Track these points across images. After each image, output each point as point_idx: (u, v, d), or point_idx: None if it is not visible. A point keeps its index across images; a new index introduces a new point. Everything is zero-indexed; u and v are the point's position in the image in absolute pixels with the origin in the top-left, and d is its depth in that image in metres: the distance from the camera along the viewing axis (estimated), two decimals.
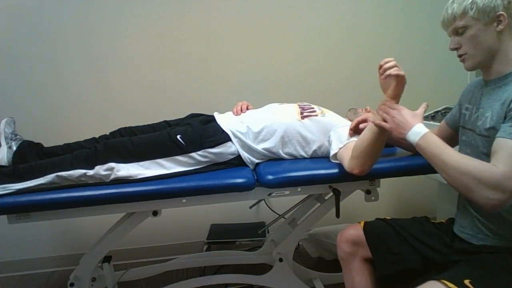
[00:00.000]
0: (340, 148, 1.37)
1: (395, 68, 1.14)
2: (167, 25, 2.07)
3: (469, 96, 1.21)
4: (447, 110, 1.95)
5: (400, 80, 1.15)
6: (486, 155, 1.07)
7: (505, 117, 1.00)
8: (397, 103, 1.19)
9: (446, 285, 0.94)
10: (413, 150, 1.24)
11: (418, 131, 1.08)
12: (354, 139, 1.36)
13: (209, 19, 2.09)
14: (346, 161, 1.31)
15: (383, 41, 2.26)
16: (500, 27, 1.03)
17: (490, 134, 1.04)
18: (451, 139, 1.30)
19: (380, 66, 1.17)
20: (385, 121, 1.16)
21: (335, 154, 1.38)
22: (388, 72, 1.14)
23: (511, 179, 0.91)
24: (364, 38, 2.24)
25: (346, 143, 1.36)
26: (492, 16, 1.02)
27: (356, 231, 1.29)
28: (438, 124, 1.45)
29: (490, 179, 0.92)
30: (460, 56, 1.11)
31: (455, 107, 1.31)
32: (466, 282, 0.95)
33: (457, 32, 1.08)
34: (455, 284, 0.94)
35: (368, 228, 1.29)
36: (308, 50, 2.21)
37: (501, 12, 1.02)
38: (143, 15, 2.04)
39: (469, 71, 1.14)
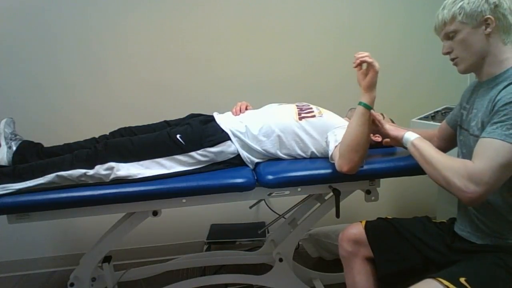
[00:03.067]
0: (335, 147, 1.37)
1: (368, 57, 1.23)
2: (167, 25, 2.07)
3: (468, 96, 1.23)
4: (447, 110, 1.95)
5: (371, 68, 1.24)
6: None
7: (489, 120, 1.02)
8: (373, 94, 1.28)
9: (442, 283, 0.95)
10: None
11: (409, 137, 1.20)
12: None
13: (209, 20, 2.09)
14: (336, 160, 1.32)
15: (383, 41, 2.26)
16: (488, 30, 1.06)
17: (480, 134, 1.06)
18: (451, 140, 1.30)
19: (355, 57, 1.27)
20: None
21: (332, 155, 1.39)
22: (361, 59, 1.24)
23: (485, 173, 0.94)
24: (364, 39, 2.24)
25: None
26: (479, 20, 1.06)
27: (357, 230, 1.30)
28: (438, 124, 1.46)
29: (465, 172, 0.97)
30: (452, 60, 1.15)
31: (456, 107, 1.31)
32: (462, 280, 0.96)
33: (448, 36, 1.12)
34: (451, 282, 0.95)
35: (370, 227, 1.29)
36: (308, 50, 2.21)
37: (488, 16, 1.05)
38: (143, 15, 2.04)
39: (463, 74, 1.17)
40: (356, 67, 1.27)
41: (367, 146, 1.30)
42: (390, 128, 1.35)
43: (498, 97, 1.00)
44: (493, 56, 1.08)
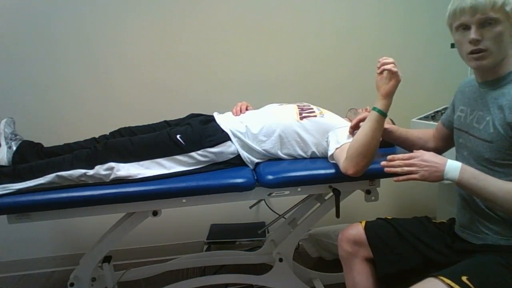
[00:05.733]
0: (337, 149, 1.37)
1: (392, 65, 1.20)
2: (167, 25, 2.06)
3: (462, 97, 1.21)
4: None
5: (394, 78, 1.20)
6: (488, 161, 1.07)
7: None
8: (389, 102, 1.24)
9: (444, 281, 0.95)
10: (416, 149, 1.21)
11: (454, 167, 1.04)
12: (351, 140, 1.36)
13: (209, 19, 2.09)
14: (341, 162, 1.31)
15: (383, 41, 2.26)
16: None
17: (493, 139, 1.05)
18: (448, 140, 1.30)
19: (379, 62, 1.22)
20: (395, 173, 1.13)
21: (332, 155, 1.39)
22: (384, 67, 1.19)
23: None
24: (364, 38, 2.24)
25: (343, 144, 1.37)
26: None
27: (357, 230, 1.29)
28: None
29: None
30: (478, 52, 1.02)
31: (449, 107, 1.31)
32: (464, 278, 0.96)
33: (484, 23, 0.99)
34: (453, 281, 0.95)
35: (369, 227, 1.29)
36: (308, 50, 2.21)
37: None
38: (143, 15, 2.04)
39: (485, 69, 1.06)
40: (380, 73, 1.23)
41: (375, 152, 1.28)
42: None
43: None
44: (509, 57, 1.04)
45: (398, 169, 1.10)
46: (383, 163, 1.15)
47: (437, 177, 1.05)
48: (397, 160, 1.11)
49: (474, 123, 1.11)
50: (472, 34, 1.00)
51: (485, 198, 1.02)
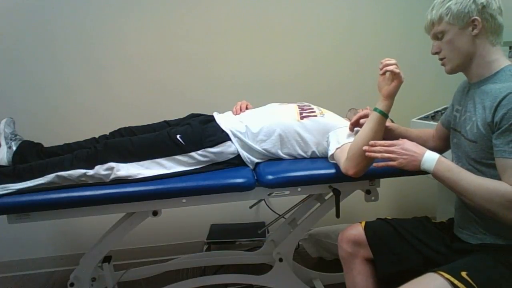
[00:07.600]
0: (337, 149, 1.37)
1: (395, 66, 1.21)
2: (167, 24, 2.06)
3: (459, 98, 1.23)
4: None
5: (396, 79, 1.21)
6: (474, 161, 1.09)
7: (494, 127, 1.01)
8: (391, 103, 1.25)
9: (443, 276, 0.96)
10: None
11: (431, 158, 1.07)
12: (352, 140, 1.36)
13: (209, 19, 2.09)
14: (342, 162, 1.31)
15: (383, 41, 2.26)
16: (475, 31, 1.06)
17: (477, 139, 1.06)
18: (447, 140, 1.30)
19: (381, 63, 1.23)
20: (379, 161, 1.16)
21: (332, 155, 1.39)
22: (387, 68, 1.21)
23: None
24: (363, 38, 2.24)
25: (343, 144, 1.37)
26: (466, 21, 1.06)
27: (357, 231, 1.29)
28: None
29: (507, 203, 0.95)
30: (441, 60, 1.15)
31: (449, 108, 1.31)
32: (463, 274, 0.97)
33: (437, 37, 1.13)
34: (452, 276, 0.96)
35: (369, 228, 1.29)
36: (308, 50, 2.21)
37: (475, 17, 1.05)
38: (143, 15, 2.04)
39: (449, 74, 1.16)
40: (382, 74, 1.24)
41: None
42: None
43: (501, 111, 0.98)
44: (481, 57, 1.08)
45: (378, 155, 1.14)
46: (365, 147, 1.18)
47: (414, 166, 1.09)
48: (378, 146, 1.15)
49: (465, 124, 1.13)
50: (431, 49, 1.16)
51: (458, 191, 1.04)
